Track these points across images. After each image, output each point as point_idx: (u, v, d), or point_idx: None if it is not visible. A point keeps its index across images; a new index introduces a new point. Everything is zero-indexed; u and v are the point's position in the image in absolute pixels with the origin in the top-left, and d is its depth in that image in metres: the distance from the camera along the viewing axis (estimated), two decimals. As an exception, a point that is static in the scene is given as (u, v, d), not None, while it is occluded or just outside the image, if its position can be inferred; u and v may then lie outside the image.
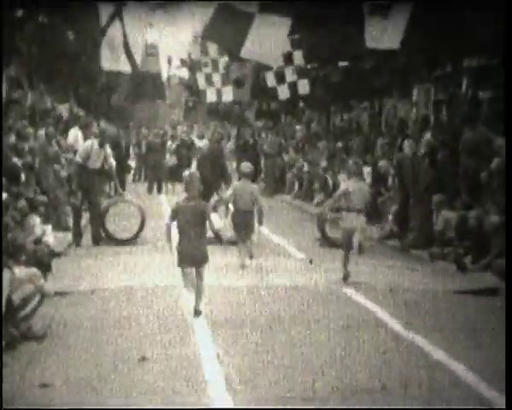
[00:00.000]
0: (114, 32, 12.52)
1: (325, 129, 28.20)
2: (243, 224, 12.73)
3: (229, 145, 30.03)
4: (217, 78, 23.32)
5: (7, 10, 14.00)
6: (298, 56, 21.86)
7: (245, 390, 6.65)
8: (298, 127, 28.79)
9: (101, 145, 15.08)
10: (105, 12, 12.50)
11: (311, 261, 13.09)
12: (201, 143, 27.19)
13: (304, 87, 22.42)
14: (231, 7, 11.56)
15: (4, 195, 11.70)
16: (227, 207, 14.14)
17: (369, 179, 17.87)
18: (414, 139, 16.91)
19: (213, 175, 15.53)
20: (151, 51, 14.39)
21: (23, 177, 14.89)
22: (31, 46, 22.91)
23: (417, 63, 19.69)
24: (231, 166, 27.20)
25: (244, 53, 12.04)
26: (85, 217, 15.57)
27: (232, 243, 13.47)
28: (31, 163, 15.94)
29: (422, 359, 7.69)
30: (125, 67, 12.59)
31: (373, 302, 10.09)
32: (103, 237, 15.10)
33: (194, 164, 21.38)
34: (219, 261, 12.90)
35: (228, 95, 23.77)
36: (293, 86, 22.36)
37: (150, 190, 27.06)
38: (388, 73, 21.02)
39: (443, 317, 9.51)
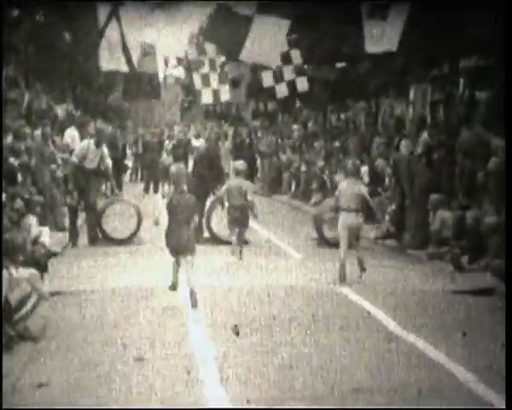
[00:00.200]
0: (112, 32, 12.51)
1: (322, 128, 28.18)
2: (238, 219, 13.29)
3: (227, 145, 29.99)
4: (214, 78, 23.29)
5: (5, 10, 13.99)
6: (296, 55, 21.89)
7: (243, 391, 6.65)
8: (295, 127, 28.74)
9: (98, 145, 15.06)
10: (102, 12, 12.49)
11: None
12: (198, 143, 27.17)
13: (302, 84, 22.46)
14: (229, 8, 11.55)
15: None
16: (222, 206, 14.23)
17: (366, 179, 17.87)
18: (411, 139, 16.91)
19: (210, 175, 15.52)
20: (148, 51, 14.37)
21: (20, 177, 14.87)
22: (27, 46, 22.89)
23: (414, 63, 19.71)
24: (228, 165, 27.24)
25: (243, 56, 12.07)
26: (82, 217, 15.55)
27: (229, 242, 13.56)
28: (27, 163, 15.92)
29: (420, 358, 7.70)
30: (123, 67, 12.58)
31: (370, 303, 10.10)
32: (100, 237, 15.09)
33: (190, 164, 21.39)
34: (217, 262, 12.91)
35: (225, 94, 23.75)
36: (291, 84, 22.38)
37: (147, 189, 27.03)
38: (385, 73, 21.03)
39: (440, 317, 9.51)
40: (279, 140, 28.04)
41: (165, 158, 29.15)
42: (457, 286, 11.38)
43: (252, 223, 15.73)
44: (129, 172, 30.69)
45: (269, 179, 26.26)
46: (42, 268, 10.62)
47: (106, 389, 6.66)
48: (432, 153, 15.67)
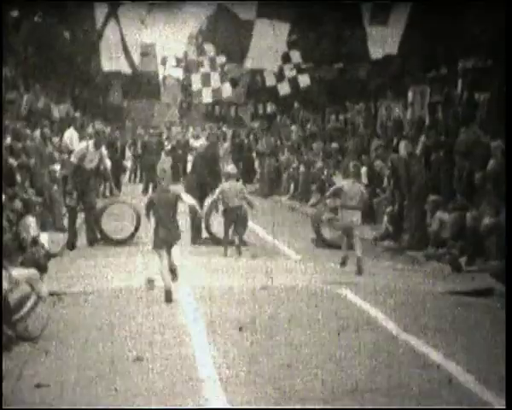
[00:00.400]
0: (111, 32, 12.50)
1: (320, 130, 28.18)
2: (233, 220, 14.02)
3: (226, 146, 30.00)
4: (215, 77, 23.32)
5: (4, 11, 13.99)
6: (295, 55, 21.97)
7: (242, 391, 6.67)
8: (293, 128, 28.76)
9: (97, 146, 15.05)
10: (101, 12, 12.48)
11: None
12: (197, 144, 27.15)
13: (304, 81, 22.59)
14: (229, 10, 11.55)
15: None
16: (216, 209, 14.43)
17: (364, 180, 17.89)
18: (410, 140, 16.93)
19: (209, 176, 15.53)
20: (147, 51, 14.37)
21: (18, 178, 14.88)
22: (27, 46, 22.88)
23: (413, 64, 19.72)
24: (227, 166, 27.18)
25: (248, 64, 12.16)
26: (81, 218, 15.55)
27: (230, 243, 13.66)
28: (26, 164, 15.93)
29: (418, 359, 7.71)
30: (125, 68, 12.58)
31: (369, 303, 10.11)
32: (99, 238, 15.08)
33: (189, 165, 21.41)
34: (216, 262, 12.93)
35: (227, 91, 23.81)
36: (293, 81, 22.48)
37: (146, 190, 27.01)
38: (384, 75, 21.04)
39: (438, 317, 9.53)
40: (278, 141, 28.06)
41: (164, 159, 29.15)
42: (456, 287, 11.39)
43: (251, 224, 15.79)
44: (128, 172, 30.67)
45: (267, 180, 26.26)
46: (41, 269, 10.63)
47: (105, 389, 6.67)
48: (430, 154, 15.70)
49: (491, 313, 9.74)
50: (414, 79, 22.40)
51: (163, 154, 29.48)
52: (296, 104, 32.11)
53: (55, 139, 20.23)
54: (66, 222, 15.55)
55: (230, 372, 7.15)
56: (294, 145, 26.67)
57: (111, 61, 12.38)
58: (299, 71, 22.28)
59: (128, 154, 31.54)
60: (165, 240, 10.37)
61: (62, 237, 14.96)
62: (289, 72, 22.21)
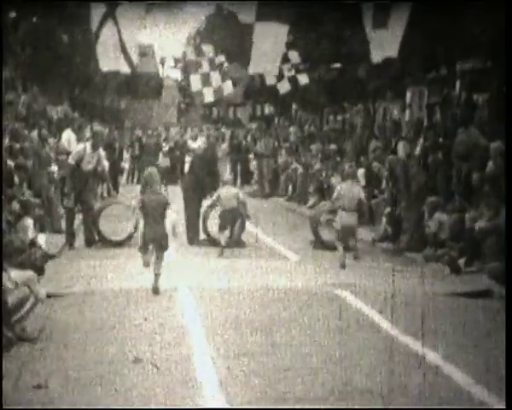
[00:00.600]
0: (109, 32, 12.48)
1: (319, 131, 28.21)
2: (229, 222, 14.41)
3: (223, 147, 30.01)
4: (215, 76, 23.36)
5: (2, 12, 13.97)
6: (294, 56, 22.06)
7: (242, 391, 6.66)
8: (291, 129, 28.76)
9: (95, 147, 15.03)
10: (97, 13, 12.45)
11: None
12: (195, 145, 27.13)
13: (303, 80, 22.72)
14: (228, 12, 11.57)
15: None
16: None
17: (362, 181, 17.88)
18: (408, 141, 16.93)
19: (207, 177, 15.52)
20: (146, 52, 14.37)
21: (16, 179, 14.86)
22: (25, 47, 22.87)
23: (411, 66, 19.73)
24: (226, 168, 27.28)
25: (251, 70, 12.20)
26: (78, 219, 15.53)
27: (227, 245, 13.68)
28: (24, 165, 15.90)
29: (417, 360, 7.70)
30: (124, 68, 12.56)
31: (367, 305, 10.11)
32: (96, 239, 15.06)
33: (187, 166, 21.39)
34: (215, 263, 12.92)
35: (228, 89, 23.88)
36: (292, 79, 22.61)
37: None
38: (382, 76, 21.06)
39: (437, 318, 9.51)
40: (276, 143, 28.07)
41: (162, 160, 29.14)
42: (455, 288, 11.39)
43: (249, 225, 15.79)
44: (125, 174, 30.65)
45: (266, 182, 26.25)
46: (38, 270, 10.60)
47: (105, 389, 6.66)
48: (428, 155, 15.71)
49: (489, 314, 9.73)
50: (412, 80, 22.44)
51: (161, 155, 29.46)
52: (294, 105, 32.15)
53: (53, 140, 20.20)
54: (63, 223, 15.53)
55: (230, 373, 7.14)
56: (293, 146, 26.67)
57: (109, 60, 12.36)
58: (298, 71, 22.36)
59: (126, 155, 31.53)
60: (152, 239, 10.52)
61: (60, 239, 14.94)
62: (288, 72, 22.31)
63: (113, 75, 21.30)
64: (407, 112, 24.43)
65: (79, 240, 15.05)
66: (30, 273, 8.81)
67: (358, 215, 13.28)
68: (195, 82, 23.47)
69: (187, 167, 20.81)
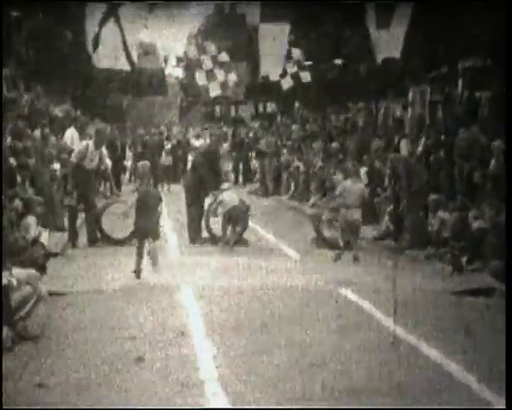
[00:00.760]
0: (110, 31, 12.50)
1: (321, 129, 28.19)
2: (231, 222, 14.52)
3: (226, 146, 30.03)
4: (219, 72, 23.46)
5: (5, 11, 13.99)
6: (296, 53, 22.12)
7: (242, 391, 6.67)
8: (294, 127, 28.75)
9: (97, 146, 15.05)
10: (96, 12, 12.48)
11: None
12: (198, 143, 27.15)
13: (306, 76, 22.80)
14: (229, 12, 11.61)
15: None
16: (215, 215, 14.67)
17: (365, 180, 17.89)
18: (410, 140, 16.92)
19: (209, 175, 15.52)
20: (149, 50, 14.37)
21: (19, 177, 14.88)
22: (27, 46, 22.88)
23: (413, 64, 19.73)
24: (229, 166, 27.30)
25: (262, 72, 12.31)
26: (81, 217, 15.55)
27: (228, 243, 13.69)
28: (26, 163, 15.92)
29: (419, 358, 7.72)
30: (124, 66, 12.60)
31: (369, 303, 10.12)
32: (99, 238, 15.08)
33: (189, 164, 21.41)
34: (217, 262, 12.94)
35: (233, 79, 23.98)
36: (295, 76, 22.70)
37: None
38: (384, 74, 21.05)
39: (439, 317, 9.53)
40: (278, 141, 28.08)
41: (165, 158, 29.16)
42: (456, 286, 11.39)
43: (251, 224, 15.81)
44: (128, 172, 30.67)
45: (269, 180, 26.26)
46: (40, 269, 10.62)
47: (106, 389, 6.68)
48: (431, 154, 15.70)
49: (491, 312, 9.73)
50: (414, 78, 22.42)
51: (163, 153, 29.49)
52: (297, 103, 32.13)
53: (56, 139, 20.22)
54: (66, 222, 15.55)
55: (230, 372, 7.15)
56: (295, 145, 26.68)
57: (110, 59, 12.39)
58: (301, 68, 22.44)
59: (128, 153, 31.57)
60: (144, 228, 11.17)
61: (63, 237, 14.95)
62: (291, 69, 22.37)
63: (116, 74, 21.29)
64: (409, 110, 24.39)
65: (82, 238, 15.07)
66: (32, 272, 8.83)
67: (362, 212, 13.48)
68: (201, 78, 23.58)
69: (189, 166, 20.81)
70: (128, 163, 30.73)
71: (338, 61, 24.00)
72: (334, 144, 22.79)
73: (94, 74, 25.50)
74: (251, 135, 30.63)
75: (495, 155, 13.54)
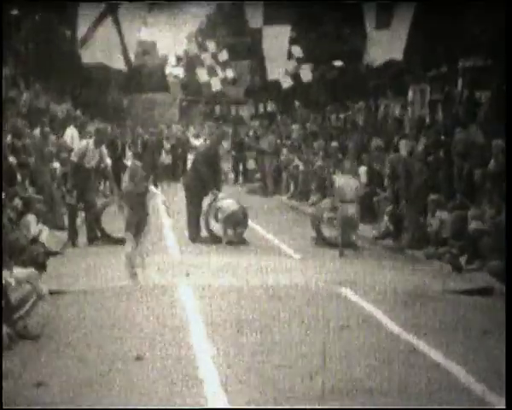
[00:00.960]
0: (107, 31, 12.47)
1: (321, 128, 28.19)
2: (231, 223, 14.76)
3: (225, 145, 30.01)
4: (219, 69, 23.53)
5: (5, 9, 13.96)
6: (296, 50, 22.15)
7: (242, 391, 6.67)
8: (294, 127, 28.74)
9: (97, 144, 15.05)
10: (93, 10, 12.45)
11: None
12: (197, 142, 27.13)
13: (306, 75, 22.82)
14: (229, 12, 11.63)
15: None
16: (216, 219, 14.76)
17: (364, 179, 17.89)
18: (410, 139, 16.92)
19: (209, 174, 15.51)
20: (149, 49, 14.37)
21: (19, 176, 14.88)
22: (27, 45, 22.88)
23: (413, 63, 19.73)
24: (228, 165, 27.28)
25: (269, 76, 12.38)
26: (81, 216, 15.55)
27: (229, 242, 13.69)
28: (26, 162, 15.92)
29: (419, 358, 7.72)
30: (121, 65, 12.57)
31: (369, 302, 10.11)
32: (99, 237, 15.08)
33: (189, 163, 21.41)
34: (216, 261, 12.93)
35: (232, 75, 24.08)
36: (295, 75, 22.73)
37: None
38: (384, 73, 21.06)
39: (438, 316, 9.53)
40: (278, 140, 28.07)
41: (165, 157, 29.15)
42: (456, 286, 11.39)
43: (251, 223, 15.80)
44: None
45: (268, 179, 26.24)
46: (39, 267, 10.62)
47: (106, 388, 6.68)
48: (430, 153, 15.70)
49: (491, 312, 9.74)
50: (414, 77, 22.43)
51: (163, 152, 29.48)
52: (297, 103, 32.13)
53: (56, 137, 20.22)
54: (66, 220, 15.54)
55: (230, 372, 7.15)
56: (295, 144, 26.67)
57: (100, 56, 12.36)
58: (300, 62, 22.50)
59: (128, 153, 31.55)
60: (137, 227, 11.42)
61: (62, 236, 14.95)
62: (291, 67, 22.41)
63: (116, 73, 21.30)
64: (409, 110, 24.40)
65: (82, 237, 15.07)
66: (32, 270, 8.83)
67: (361, 211, 13.63)
68: (202, 74, 23.61)
69: (189, 165, 20.81)
70: (128, 162, 30.67)
71: (338, 63, 24.02)
72: (334, 144, 22.79)
73: (93, 73, 25.53)
74: (251, 134, 30.61)
75: (494, 154, 13.53)
